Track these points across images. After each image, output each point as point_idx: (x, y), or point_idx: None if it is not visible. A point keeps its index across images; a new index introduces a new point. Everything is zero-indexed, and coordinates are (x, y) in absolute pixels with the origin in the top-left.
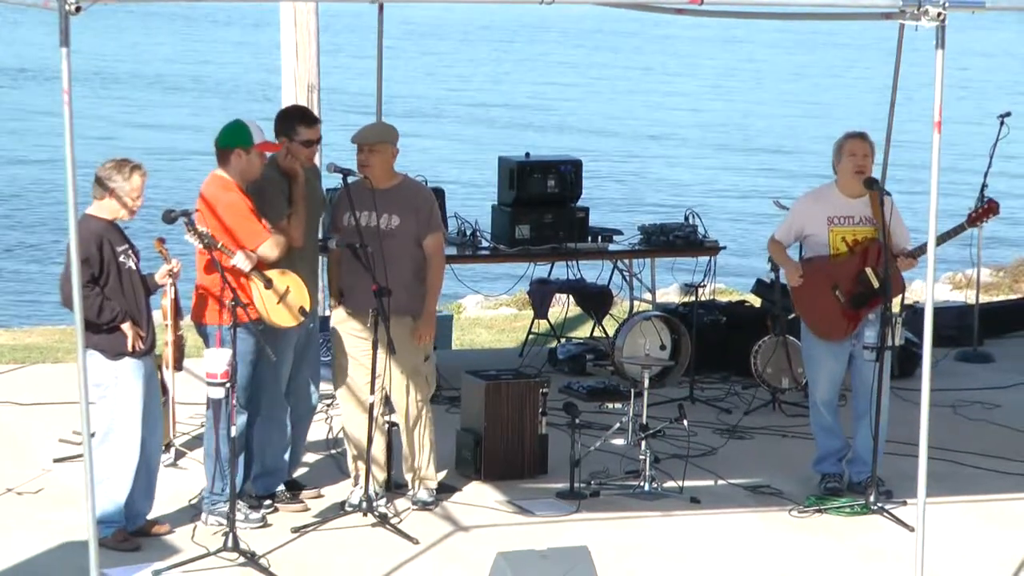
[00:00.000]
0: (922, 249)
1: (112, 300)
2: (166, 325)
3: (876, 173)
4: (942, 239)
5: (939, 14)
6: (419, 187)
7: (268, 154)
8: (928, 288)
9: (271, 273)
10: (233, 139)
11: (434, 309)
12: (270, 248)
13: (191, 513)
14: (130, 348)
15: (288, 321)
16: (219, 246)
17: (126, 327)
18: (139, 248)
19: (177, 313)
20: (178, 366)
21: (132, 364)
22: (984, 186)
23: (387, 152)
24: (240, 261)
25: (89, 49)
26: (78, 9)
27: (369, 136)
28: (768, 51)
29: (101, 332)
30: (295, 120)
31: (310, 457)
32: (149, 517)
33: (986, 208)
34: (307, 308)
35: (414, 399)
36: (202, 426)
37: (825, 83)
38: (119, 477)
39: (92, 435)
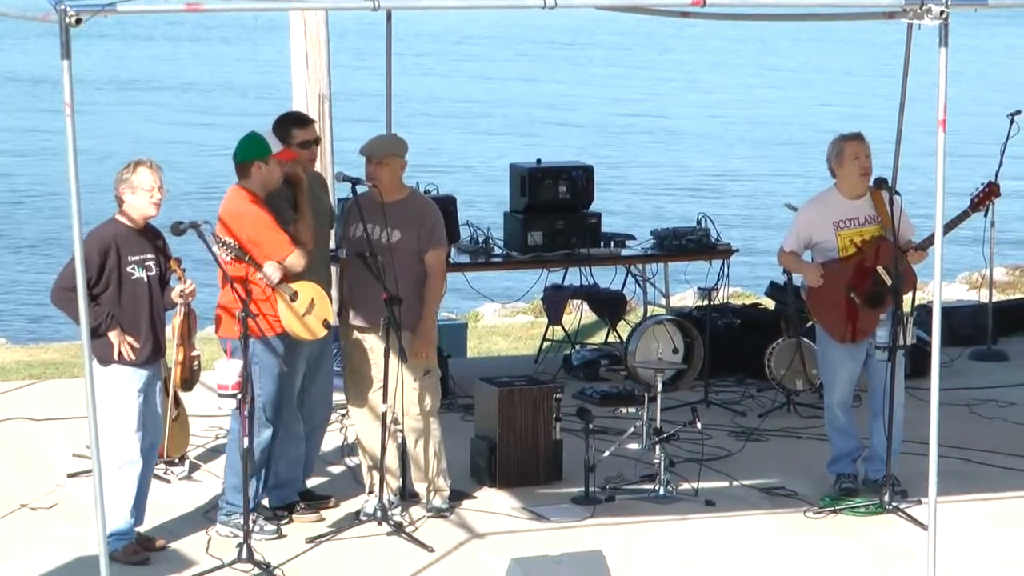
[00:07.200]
0: (930, 240)
1: (102, 307)
2: (178, 345)
3: (887, 173)
4: (948, 227)
5: (942, 12)
6: (424, 202)
7: None
8: (936, 285)
9: (296, 285)
10: (251, 152)
11: (430, 326)
12: (296, 258)
13: (205, 525)
14: (115, 356)
15: (313, 334)
16: (247, 258)
17: (113, 335)
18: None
19: (187, 334)
20: (187, 387)
21: (122, 372)
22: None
23: (395, 165)
24: (268, 272)
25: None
26: (79, 21)
27: (376, 150)
28: (796, 51)
29: (94, 338)
30: (289, 125)
31: (325, 467)
32: (141, 530)
33: (987, 191)
34: (330, 320)
35: (417, 412)
36: (216, 439)
37: (853, 82)
38: (121, 488)
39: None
